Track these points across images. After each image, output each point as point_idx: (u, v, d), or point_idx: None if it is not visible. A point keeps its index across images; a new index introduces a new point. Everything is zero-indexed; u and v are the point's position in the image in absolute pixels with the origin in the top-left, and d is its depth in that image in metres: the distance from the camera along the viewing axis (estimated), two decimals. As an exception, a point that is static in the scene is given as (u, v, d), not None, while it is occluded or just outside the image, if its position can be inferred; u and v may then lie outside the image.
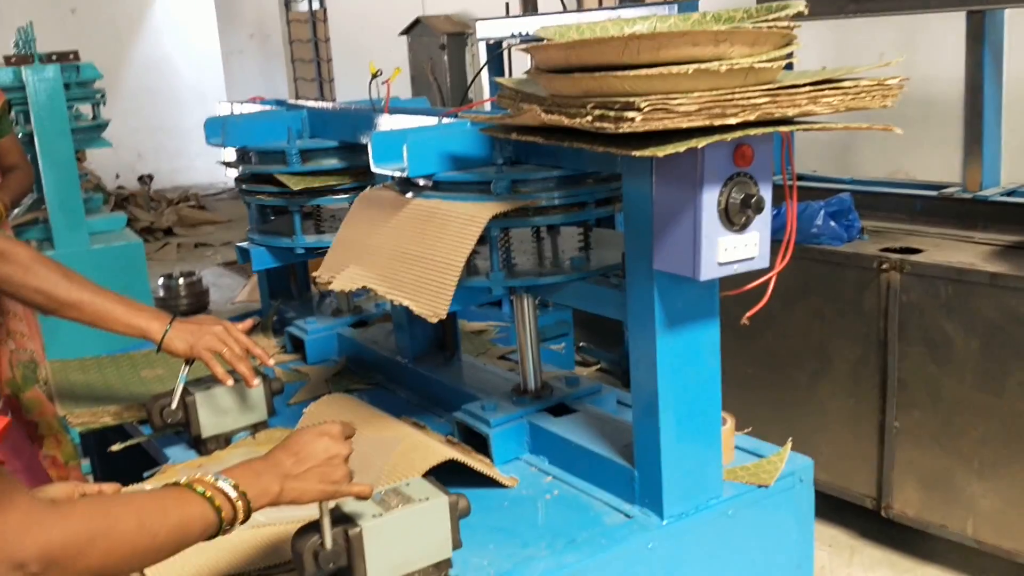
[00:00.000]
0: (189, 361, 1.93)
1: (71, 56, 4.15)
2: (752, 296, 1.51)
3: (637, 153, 1.28)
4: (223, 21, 11.95)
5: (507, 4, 5.63)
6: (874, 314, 3.07)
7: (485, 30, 5.36)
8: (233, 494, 1.22)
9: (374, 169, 1.73)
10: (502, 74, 5.59)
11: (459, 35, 7.41)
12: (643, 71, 1.29)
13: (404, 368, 2.24)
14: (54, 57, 4.05)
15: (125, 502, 1.16)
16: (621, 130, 1.25)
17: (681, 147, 1.26)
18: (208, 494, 1.19)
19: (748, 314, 1.52)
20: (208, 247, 8.94)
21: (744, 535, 1.65)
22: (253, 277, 6.03)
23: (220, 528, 1.20)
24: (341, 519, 1.37)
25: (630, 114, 1.25)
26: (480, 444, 1.84)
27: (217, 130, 2.31)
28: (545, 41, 1.43)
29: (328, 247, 2.21)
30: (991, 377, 2.82)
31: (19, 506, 0.98)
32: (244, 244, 2.50)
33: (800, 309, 3.27)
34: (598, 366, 4.80)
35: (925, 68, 4.22)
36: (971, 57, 3.19)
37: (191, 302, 6.61)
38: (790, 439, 1.80)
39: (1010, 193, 3.27)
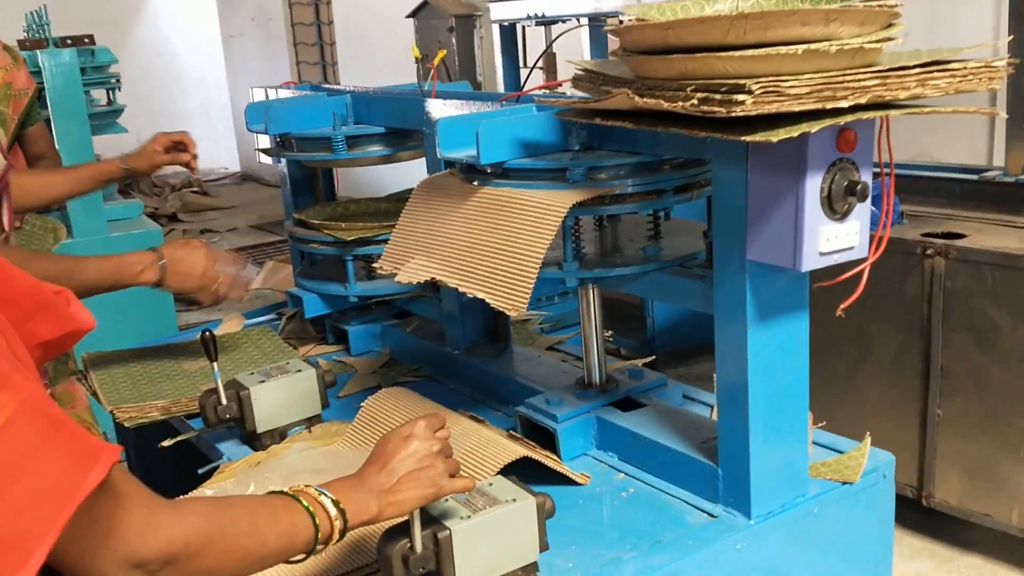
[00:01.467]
0: (214, 358, 1.86)
1: (86, 40, 4.06)
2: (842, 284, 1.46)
3: (748, 139, 1.21)
4: (223, 4, 11.79)
5: (522, -15, 5.53)
6: (917, 300, 3.02)
7: (499, 12, 5.27)
8: (333, 512, 1.16)
9: (441, 156, 1.66)
10: (515, 56, 5.50)
11: (468, 17, 7.31)
12: (749, 52, 1.22)
13: (456, 360, 2.18)
14: (69, 41, 3.96)
15: (240, 504, 1.14)
16: (733, 114, 1.18)
17: (795, 132, 1.20)
18: (311, 508, 1.14)
19: (843, 305, 1.46)
20: (215, 233, 8.84)
21: (830, 534, 1.60)
22: (268, 263, 5.96)
23: (315, 544, 1.14)
24: (429, 521, 1.31)
25: (741, 97, 1.18)
26: (545, 439, 1.78)
27: (260, 116, 2.24)
28: (639, 21, 1.36)
29: (382, 294, 2.23)
30: (1039, 365, 2.78)
31: (141, 503, 0.94)
32: (295, 291, 2.45)
33: (840, 295, 3.21)
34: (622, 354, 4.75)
35: (950, 44, 4.15)
36: (1017, 36, 3.12)
37: (201, 289, 6.52)
38: (868, 434, 1.75)
39: (1053, 177, 3.21)
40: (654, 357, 2.32)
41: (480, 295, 1.53)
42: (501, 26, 5.33)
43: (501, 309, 1.49)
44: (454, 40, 7.33)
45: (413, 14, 7.41)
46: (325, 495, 1.17)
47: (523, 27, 5.27)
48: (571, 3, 4.69)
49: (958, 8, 4.08)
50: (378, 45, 8.57)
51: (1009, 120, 3.25)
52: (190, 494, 1.68)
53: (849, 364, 3.24)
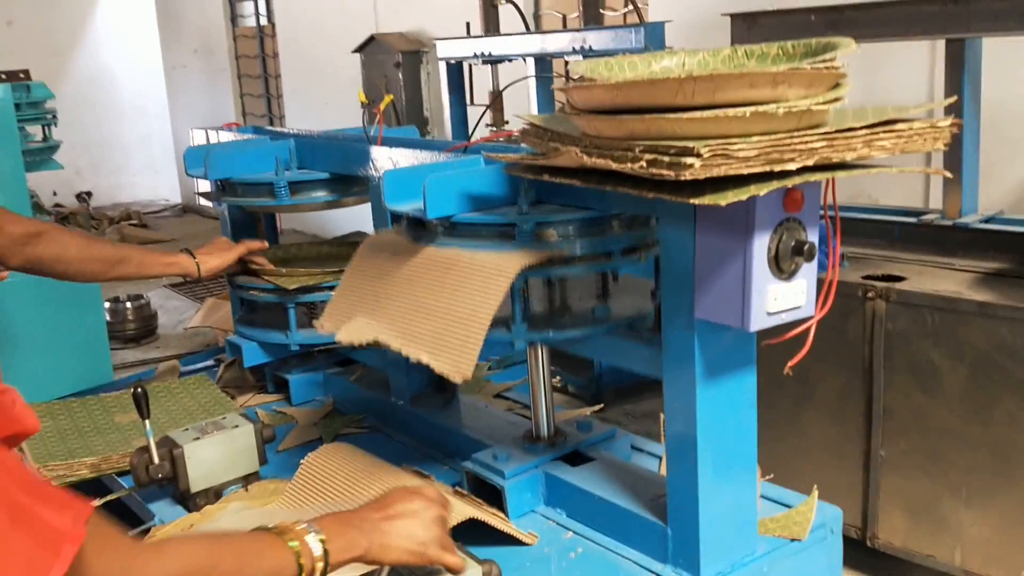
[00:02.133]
0: (146, 415, 1.79)
1: (21, 75, 3.96)
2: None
3: (695, 201, 1.20)
4: (166, 35, 11.66)
5: (468, 24, 5.54)
6: (859, 342, 3.05)
7: (446, 50, 5.26)
8: (318, 551, 1.16)
9: (387, 208, 1.63)
10: (462, 94, 5.49)
11: (414, 53, 7.31)
12: (698, 114, 1.22)
13: (401, 410, 2.14)
14: (3, 76, 3.86)
15: (227, 543, 1.13)
16: (681, 177, 1.17)
17: (743, 195, 1.19)
18: (298, 548, 1.14)
19: (791, 363, 1.46)
20: (153, 267, 8.66)
21: (779, 592, 1.58)
22: (207, 300, 5.83)
23: None
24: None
25: (689, 160, 1.17)
26: (492, 495, 1.75)
27: (199, 161, 2.18)
28: (587, 80, 1.35)
29: (325, 342, 2.19)
30: (979, 406, 2.81)
31: (117, 547, 0.94)
32: (234, 338, 2.39)
33: (787, 344, 3.23)
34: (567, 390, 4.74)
35: (886, 91, 4.24)
36: (950, 84, 3.20)
37: (139, 327, 6.37)
38: (816, 487, 1.74)
39: (988, 220, 3.28)
40: (602, 406, 2.30)
41: (424, 360, 1.48)
42: (448, 64, 5.31)
43: (445, 375, 1.45)
44: (400, 76, 7.32)
45: (359, 49, 7.39)
46: (314, 532, 1.17)
47: (470, 65, 5.27)
48: (517, 43, 4.70)
49: (894, 54, 4.17)
50: (324, 78, 8.53)
51: (945, 165, 3.32)
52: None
53: (793, 405, 3.26)
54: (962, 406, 2.85)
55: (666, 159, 1.21)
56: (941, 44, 3.37)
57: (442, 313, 1.51)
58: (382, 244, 1.73)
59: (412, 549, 1.26)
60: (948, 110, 3.22)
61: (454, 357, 1.44)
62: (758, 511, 1.67)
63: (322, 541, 1.17)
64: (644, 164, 1.22)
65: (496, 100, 4.94)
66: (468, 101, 5.38)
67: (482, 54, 4.92)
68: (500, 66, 5.11)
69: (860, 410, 3.09)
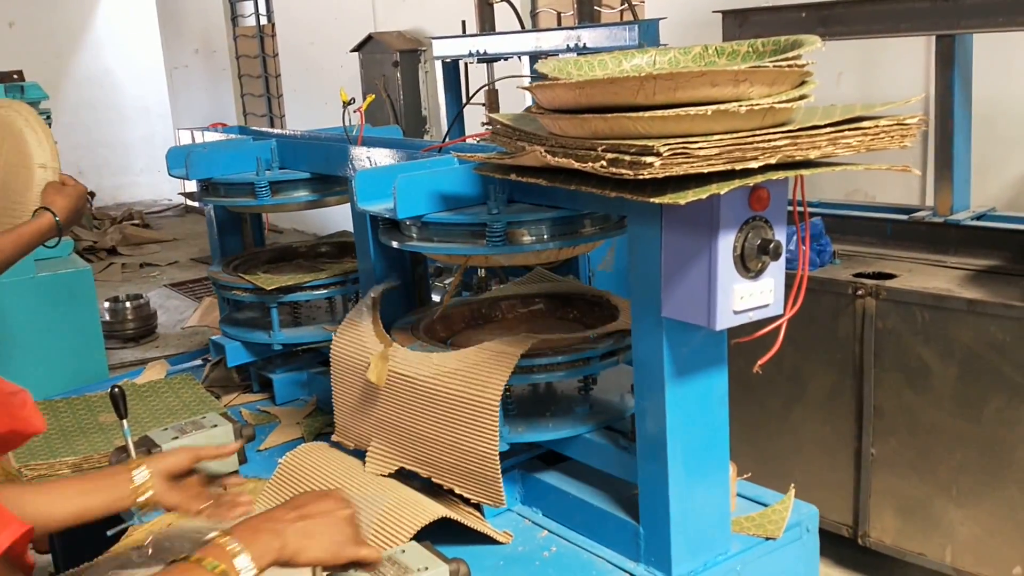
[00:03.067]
0: (123, 415, 1.79)
1: (15, 76, 3.97)
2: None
3: (656, 200, 1.20)
4: (167, 35, 11.68)
5: (463, 22, 5.54)
6: (849, 340, 3.04)
7: (442, 48, 5.26)
8: (244, 564, 1.15)
9: (359, 208, 1.63)
10: (458, 93, 5.49)
11: (412, 52, 7.31)
12: (659, 112, 1.21)
13: (382, 410, 2.14)
14: (-3, 77, 3.87)
15: None
16: (640, 176, 1.17)
17: (703, 194, 1.18)
18: (221, 568, 1.12)
19: (760, 362, 1.45)
20: (154, 267, 8.69)
21: (753, 591, 1.58)
22: (205, 299, 5.84)
23: None
24: (335, 592, 1.27)
25: (649, 159, 1.17)
26: (468, 494, 1.75)
27: (180, 161, 2.19)
28: (549, 78, 1.34)
29: (307, 341, 2.26)
30: (969, 404, 2.80)
31: None
32: (218, 338, 2.40)
33: (768, 343, 3.22)
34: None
35: (884, 88, 4.23)
36: (941, 81, 3.19)
37: (138, 326, 6.38)
38: (793, 485, 1.74)
39: (980, 217, 3.27)
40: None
41: (458, 491, 1.65)
42: (444, 62, 5.30)
43: (484, 503, 1.63)
44: (398, 75, 7.31)
45: (358, 48, 7.39)
46: (243, 557, 1.15)
47: (466, 64, 5.26)
48: (512, 42, 4.69)
49: (890, 47, 4.16)
50: (324, 78, 8.53)
51: (936, 162, 3.31)
52: (97, 560, 1.62)
53: (783, 404, 3.25)
54: (952, 404, 2.84)
55: (627, 158, 1.20)
56: (937, 41, 3.36)
57: (452, 445, 1.63)
58: (351, 350, 1.83)
59: (328, 548, 1.25)
60: (941, 106, 3.21)
61: (484, 489, 1.61)
62: (733, 510, 1.67)
63: (242, 553, 1.15)
64: (605, 163, 1.22)
65: (491, 91, 4.93)
66: (464, 99, 5.37)
67: (477, 52, 4.91)
68: (497, 65, 5.11)
69: (851, 409, 3.08)
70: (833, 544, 3.29)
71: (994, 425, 2.76)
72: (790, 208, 1.41)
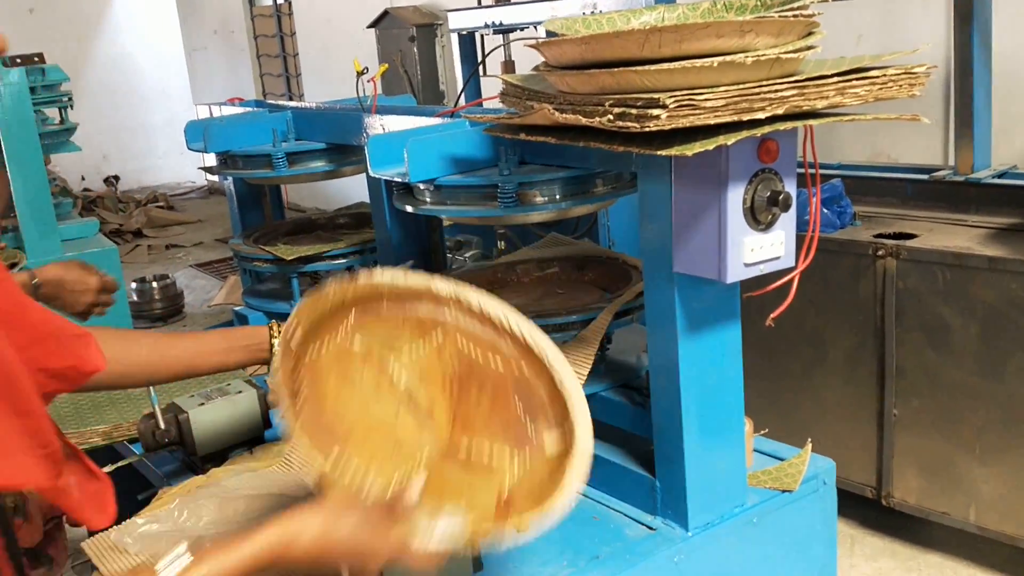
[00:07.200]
0: None
1: (35, 59, 4.01)
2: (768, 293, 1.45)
3: (663, 152, 1.21)
4: (185, 18, 11.72)
5: (479, -7, 5.54)
6: (870, 301, 3.04)
7: (457, 21, 5.26)
8: None
9: (372, 174, 1.65)
10: (475, 65, 5.49)
11: (428, 26, 7.30)
12: (665, 65, 1.22)
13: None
14: (18, 60, 3.91)
15: None
16: (646, 128, 1.18)
17: (710, 144, 1.19)
18: None
19: (772, 315, 1.46)
20: (180, 248, 8.77)
21: (770, 542, 1.60)
22: (230, 278, 5.91)
23: None
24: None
25: (655, 111, 1.18)
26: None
27: (199, 134, 2.21)
28: (557, 36, 1.35)
29: None
30: (991, 362, 2.79)
31: None
32: (241, 308, 2.44)
33: (794, 297, 3.22)
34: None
35: (903, 48, 4.18)
36: (960, 37, 3.15)
37: (165, 306, 6.46)
38: (810, 440, 1.75)
39: (1001, 175, 3.24)
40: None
41: None
42: (460, 35, 5.30)
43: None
44: (416, 49, 7.31)
45: (374, 24, 7.39)
46: None
47: (482, 35, 5.26)
48: (528, 11, 4.68)
49: (910, 8, 4.11)
50: (341, 55, 8.54)
51: (956, 120, 3.28)
52: (126, 522, 1.65)
53: (805, 365, 3.25)
54: (974, 363, 2.83)
55: (634, 111, 1.21)
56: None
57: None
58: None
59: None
60: (961, 63, 3.18)
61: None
62: (750, 465, 1.68)
63: None
64: (612, 117, 1.23)
65: (507, 62, 4.93)
66: (481, 72, 5.37)
67: (493, 24, 4.91)
68: (513, 36, 5.09)
69: (872, 369, 3.08)
70: (857, 505, 3.30)
71: (1016, 382, 2.75)
72: (800, 166, 1.41)
